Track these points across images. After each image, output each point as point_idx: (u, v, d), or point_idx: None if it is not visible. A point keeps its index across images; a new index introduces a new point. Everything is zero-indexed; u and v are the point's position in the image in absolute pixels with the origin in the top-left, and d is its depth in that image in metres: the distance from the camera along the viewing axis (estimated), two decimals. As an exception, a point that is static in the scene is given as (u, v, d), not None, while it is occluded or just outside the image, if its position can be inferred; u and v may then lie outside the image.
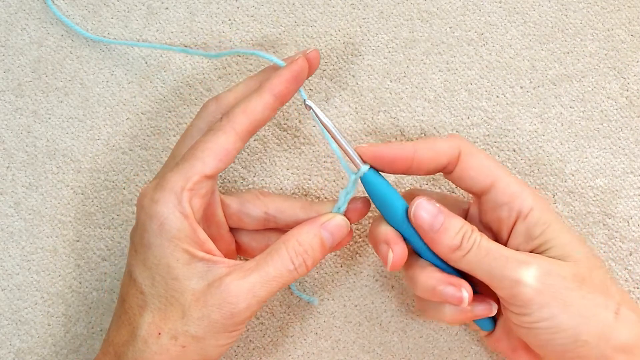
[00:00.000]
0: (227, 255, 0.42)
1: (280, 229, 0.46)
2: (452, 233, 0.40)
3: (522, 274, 0.39)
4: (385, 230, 0.42)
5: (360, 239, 0.51)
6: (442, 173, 0.44)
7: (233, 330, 0.40)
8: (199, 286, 0.39)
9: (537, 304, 0.39)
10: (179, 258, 0.40)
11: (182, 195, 0.40)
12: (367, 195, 0.43)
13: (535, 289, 0.39)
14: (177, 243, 0.40)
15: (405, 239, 0.42)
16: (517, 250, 0.41)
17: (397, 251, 0.41)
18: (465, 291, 0.41)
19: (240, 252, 0.47)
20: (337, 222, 0.42)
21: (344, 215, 0.43)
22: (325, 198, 0.51)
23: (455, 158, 0.42)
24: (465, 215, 0.45)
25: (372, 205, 0.44)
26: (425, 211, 0.40)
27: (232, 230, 0.46)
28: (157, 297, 0.40)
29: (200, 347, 0.39)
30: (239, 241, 0.46)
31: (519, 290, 0.39)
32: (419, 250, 0.42)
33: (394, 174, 0.43)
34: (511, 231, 0.42)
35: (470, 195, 0.45)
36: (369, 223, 0.51)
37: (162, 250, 0.40)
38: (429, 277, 0.41)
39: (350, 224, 0.43)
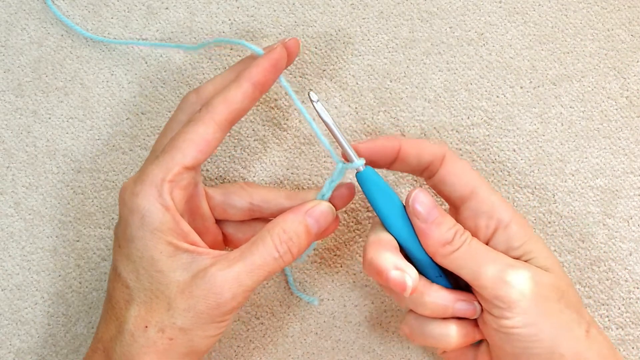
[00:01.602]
0: (214, 248, 0.42)
1: (265, 218, 0.46)
2: (445, 227, 0.40)
3: (510, 276, 0.39)
4: (391, 257, 0.40)
5: (361, 239, 0.51)
6: (424, 179, 0.44)
7: (220, 321, 0.40)
8: (183, 278, 0.39)
9: (521, 307, 0.39)
10: (163, 250, 0.39)
11: (162, 187, 0.40)
12: (353, 183, 0.43)
13: (521, 292, 0.39)
14: (160, 235, 0.39)
15: (397, 240, 0.42)
16: None
17: (414, 274, 0.40)
18: (477, 303, 0.41)
19: (227, 243, 0.47)
20: (322, 208, 0.42)
21: (329, 202, 0.43)
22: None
23: (439, 160, 0.43)
24: None
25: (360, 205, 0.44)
26: (422, 203, 0.41)
27: (218, 222, 0.46)
28: (143, 291, 0.39)
29: (187, 339, 0.39)
30: (225, 233, 0.46)
31: (504, 292, 0.39)
32: (410, 249, 0.42)
33: (380, 167, 0.44)
34: (489, 240, 0.42)
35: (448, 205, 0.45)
36: (369, 223, 0.51)
37: (144, 243, 0.39)
38: (438, 297, 0.41)
39: (336, 210, 0.43)
